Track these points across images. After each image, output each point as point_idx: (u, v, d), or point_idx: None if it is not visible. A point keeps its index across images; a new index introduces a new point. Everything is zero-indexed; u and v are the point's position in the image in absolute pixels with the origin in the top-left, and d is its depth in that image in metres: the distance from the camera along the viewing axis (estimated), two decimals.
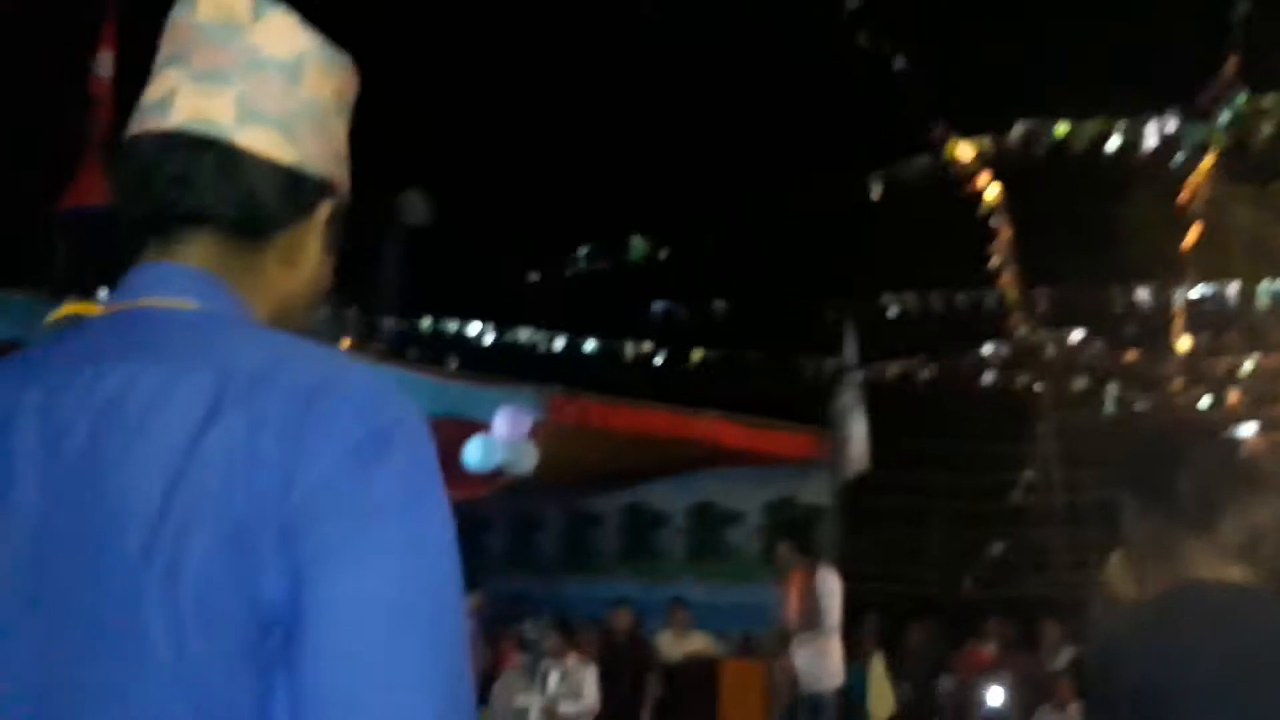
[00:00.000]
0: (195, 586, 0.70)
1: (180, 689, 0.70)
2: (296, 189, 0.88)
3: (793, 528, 6.86)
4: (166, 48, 0.90)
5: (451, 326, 10.46)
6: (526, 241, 11.94)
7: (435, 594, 0.74)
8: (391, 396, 0.79)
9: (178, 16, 0.90)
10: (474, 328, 10.47)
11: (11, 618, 0.73)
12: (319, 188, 0.91)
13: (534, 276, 10.93)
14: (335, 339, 9.12)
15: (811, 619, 6.03)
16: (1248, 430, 1.67)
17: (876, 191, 8.55)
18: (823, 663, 6.07)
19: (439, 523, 0.77)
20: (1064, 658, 7.75)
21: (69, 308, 0.86)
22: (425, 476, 0.77)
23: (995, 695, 7.57)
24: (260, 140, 0.86)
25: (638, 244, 10.07)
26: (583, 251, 10.49)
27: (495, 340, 10.39)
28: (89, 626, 0.71)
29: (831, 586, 6.14)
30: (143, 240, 0.88)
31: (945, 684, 8.15)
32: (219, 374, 0.76)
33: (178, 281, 0.85)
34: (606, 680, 7.36)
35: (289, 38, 0.90)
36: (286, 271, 0.91)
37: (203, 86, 0.86)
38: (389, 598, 0.72)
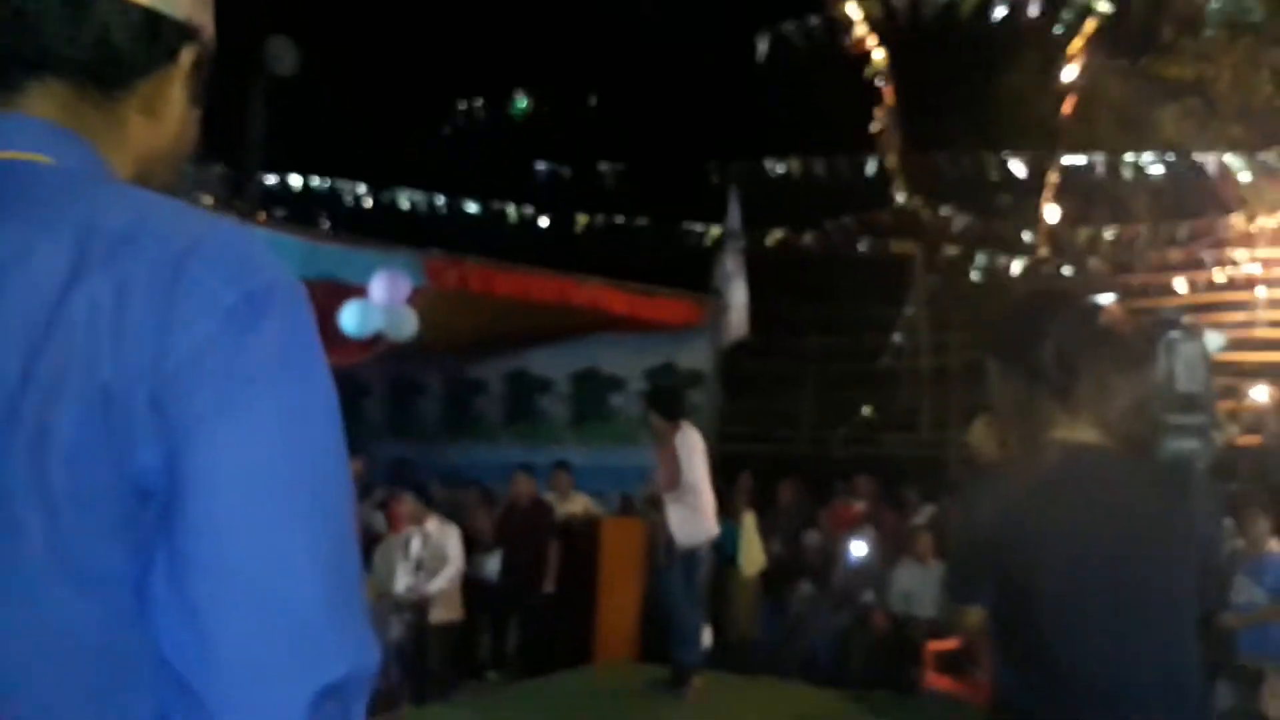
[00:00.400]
0: (64, 457, 0.67)
1: (55, 562, 0.67)
2: (155, 32, 0.81)
3: (667, 394, 6.91)
4: None
5: (323, 185, 9.99)
6: (403, 95, 11.37)
7: (315, 461, 0.72)
8: (264, 258, 0.75)
9: None
10: (347, 186, 10.03)
11: None
12: (180, 31, 0.84)
13: (411, 133, 10.48)
14: (198, 197, 8.64)
15: (675, 478, 6.15)
16: (1107, 299, 1.73)
17: (762, 51, 8.40)
18: (692, 518, 6.21)
19: (318, 388, 0.74)
20: (925, 514, 8.23)
21: None
22: (302, 341, 0.74)
23: (859, 548, 7.99)
24: None
25: (520, 101, 9.72)
26: (462, 107, 10.09)
27: (371, 200, 9.99)
28: None
29: (692, 444, 6.24)
30: None
31: (811, 539, 8.56)
32: (80, 233, 0.70)
33: (26, 134, 0.78)
34: (508, 545, 7.48)
35: None
36: (148, 124, 0.84)
37: None
38: (267, 466, 0.69)
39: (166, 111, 0.85)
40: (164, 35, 0.82)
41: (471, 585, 7.36)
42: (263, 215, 8.51)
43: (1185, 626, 1.68)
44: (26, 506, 0.67)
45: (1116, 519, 1.62)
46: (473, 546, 7.50)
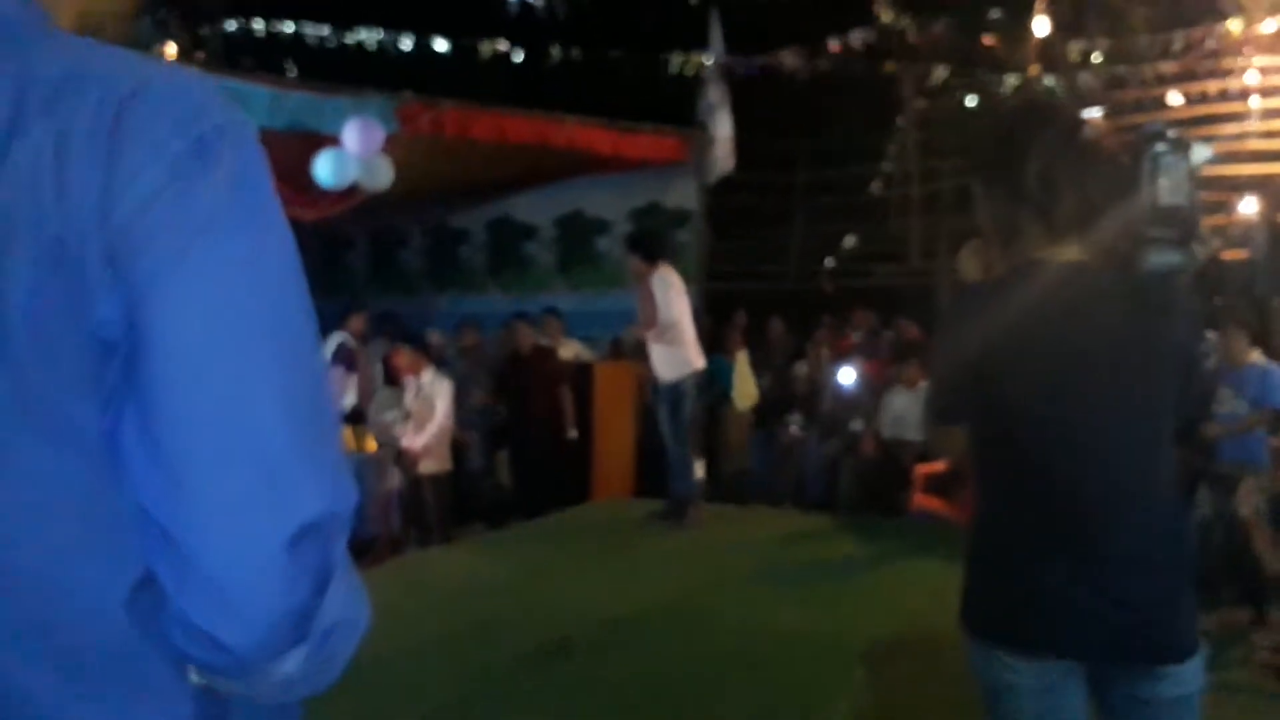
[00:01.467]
0: (22, 313, 0.66)
1: (25, 418, 0.68)
2: None
3: (645, 236, 6.80)
4: None
5: (287, 30, 9.55)
6: None
7: (275, 304, 0.71)
8: (213, 101, 0.72)
9: None
10: (311, 30, 9.59)
11: None
12: None
13: None
14: (157, 46, 8.27)
15: (653, 317, 6.14)
16: (1091, 114, 1.67)
17: None
18: (673, 354, 6.24)
19: (274, 232, 0.73)
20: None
21: None
22: (255, 185, 0.72)
23: (847, 376, 8.10)
24: None
25: None
26: None
27: (336, 43, 9.57)
28: None
29: (669, 282, 6.21)
30: None
31: (800, 371, 8.65)
32: (16, 79, 0.68)
33: None
34: (513, 394, 7.50)
35: None
36: None
37: None
38: (227, 312, 0.68)
39: None
40: None
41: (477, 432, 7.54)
42: (226, 64, 8.19)
43: (1162, 436, 1.69)
44: None
45: (1095, 332, 1.63)
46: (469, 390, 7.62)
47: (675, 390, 6.29)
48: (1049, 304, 1.63)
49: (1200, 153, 1.73)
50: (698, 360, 6.37)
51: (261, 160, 0.74)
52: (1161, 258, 1.59)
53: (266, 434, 0.69)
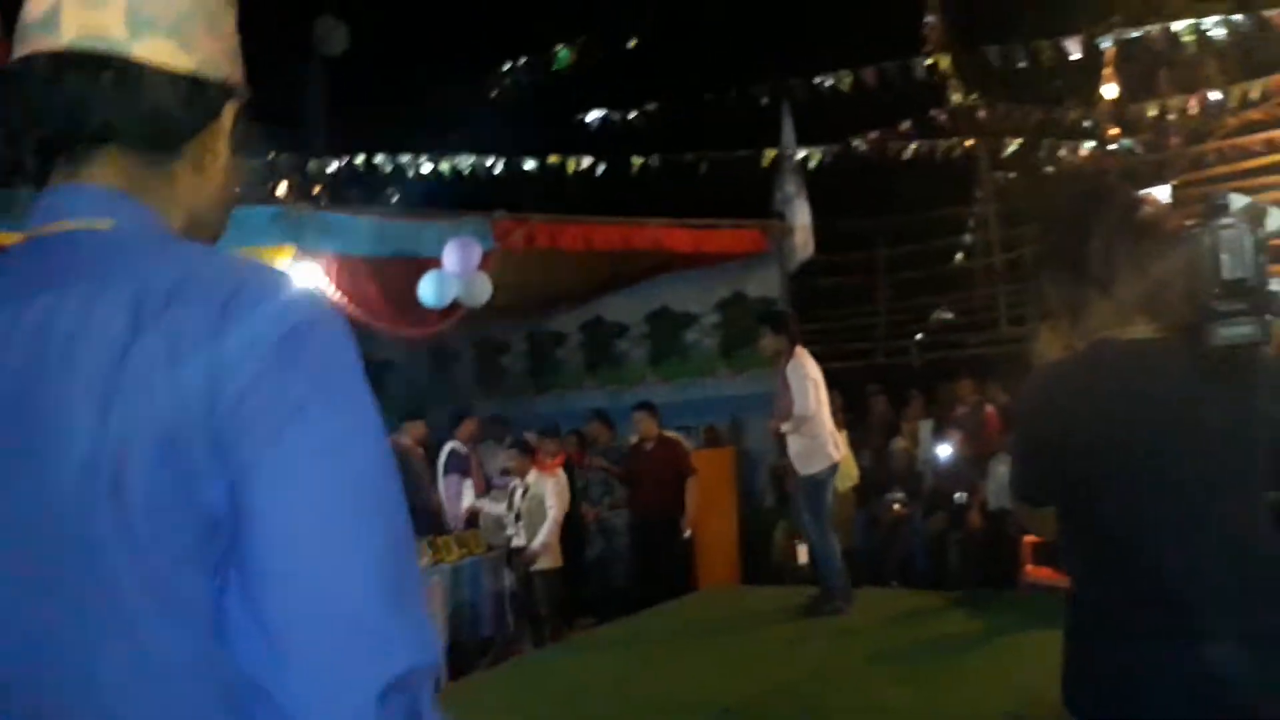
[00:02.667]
0: (140, 498, 0.73)
1: (146, 596, 0.74)
2: (200, 96, 0.88)
3: (776, 313, 6.91)
4: None
5: (386, 161, 10.26)
6: (448, 66, 11.53)
7: (363, 475, 0.77)
8: (302, 297, 0.81)
9: None
10: (409, 160, 10.28)
11: None
12: (221, 90, 0.90)
13: (462, 99, 10.64)
14: (270, 188, 8.98)
15: (787, 409, 6.14)
16: (1150, 191, 1.80)
17: None
18: (811, 446, 6.21)
19: (361, 409, 0.79)
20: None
21: None
22: (343, 366, 0.80)
23: (943, 450, 8.07)
24: (156, 50, 0.85)
25: (562, 53, 9.80)
26: (507, 67, 10.21)
27: (433, 170, 10.22)
28: (45, 554, 0.75)
29: (805, 371, 6.18)
30: (48, 163, 0.86)
31: (897, 445, 8.64)
32: (135, 292, 0.77)
33: (90, 202, 0.85)
34: (637, 485, 7.65)
35: None
36: (197, 178, 0.91)
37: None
38: (319, 486, 0.75)
39: (213, 165, 0.91)
40: (208, 97, 0.88)
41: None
42: (334, 199, 8.82)
43: (1256, 514, 1.66)
44: (115, 550, 0.74)
45: (1170, 408, 1.63)
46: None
47: (813, 482, 6.23)
48: (1122, 381, 1.65)
49: (1276, 219, 1.68)
50: (836, 452, 6.34)
51: (350, 347, 0.81)
52: (1233, 330, 1.58)
53: (357, 596, 0.74)
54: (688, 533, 7.54)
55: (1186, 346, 1.62)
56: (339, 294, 7.01)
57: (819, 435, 6.23)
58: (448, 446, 7.42)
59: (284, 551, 0.74)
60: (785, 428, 6.24)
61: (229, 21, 0.92)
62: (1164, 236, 1.65)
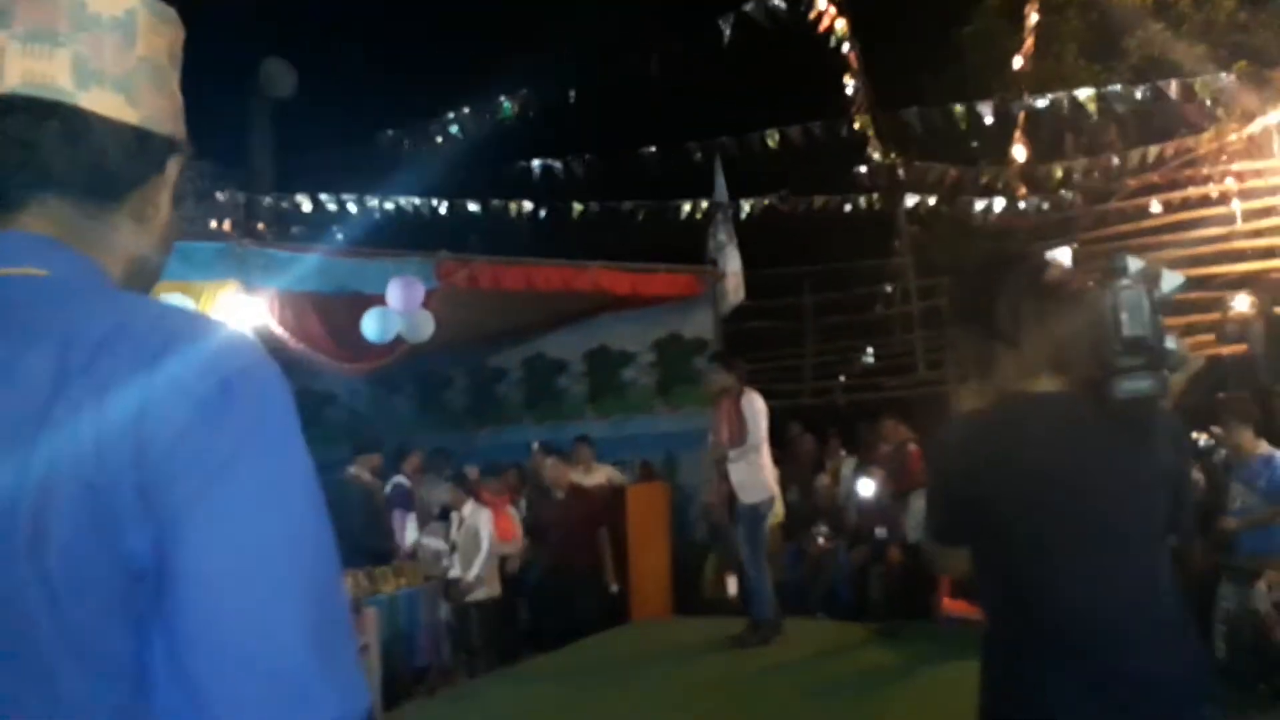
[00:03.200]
0: (60, 551, 0.71)
1: (64, 647, 0.72)
2: (144, 149, 0.88)
3: (728, 354, 7.28)
4: None
5: (331, 200, 10.42)
6: (394, 110, 11.80)
7: (294, 531, 0.76)
8: (238, 346, 0.79)
9: None
10: (354, 199, 10.45)
11: None
12: (166, 145, 0.90)
13: (407, 142, 10.89)
14: (215, 225, 9.06)
15: (742, 434, 6.44)
16: (1054, 255, 1.86)
17: (727, 34, 8.75)
18: (755, 476, 6.51)
19: (293, 463, 0.78)
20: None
21: None
22: (274, 422, 0.78)
23: (865, 486, 8.43)
24: (103, 103, 0.84)
25: (505, 105, 10.14)
26: (451, 116, 10.50)
27: (378, 210, 10.41)
28: None
29: (757, 406, 6.55)
30: None
31: (821, 481, 8.99)
32: (62, 344, 0.75)
33: (26, 249, 0.83)
34: (544, 536, 7.74)
35: None
36: (138, 228, 0.90)
37: (33, 47, 0.83)
38: (248, 542, 0.73)
39: (155, 217, 0.91)
40: (152, 150, 0.89)
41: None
42: (278, 236, 8.92)
43: (1158, 558, 1.74)
44: (34, 600, 0.72)
45: (1077, 458, 1.71)
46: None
47: (754, 512, 6.48)
48: (1032, 433, 1.73)
49: (1171, 280, 1.77)
50: (774, 485, 6.67)
51: (282, 397, 0.79)
52: (1133, 384, 1.65)
53: (282, 653, 0.73)
54: (614, 587, 7.67)
55: (1091, 400, 1.70)
56: (282, 328, 7.14)
57: (764, 467, 6.53)
58: (393, 480, 7.56)
59: (209, 607, 0.72)
60: (733, 454, 6.47)
61: (174, 80, 0.92)
62: (1067, 296, 1.74)
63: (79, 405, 0.73)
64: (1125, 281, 1.68)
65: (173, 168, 0.92)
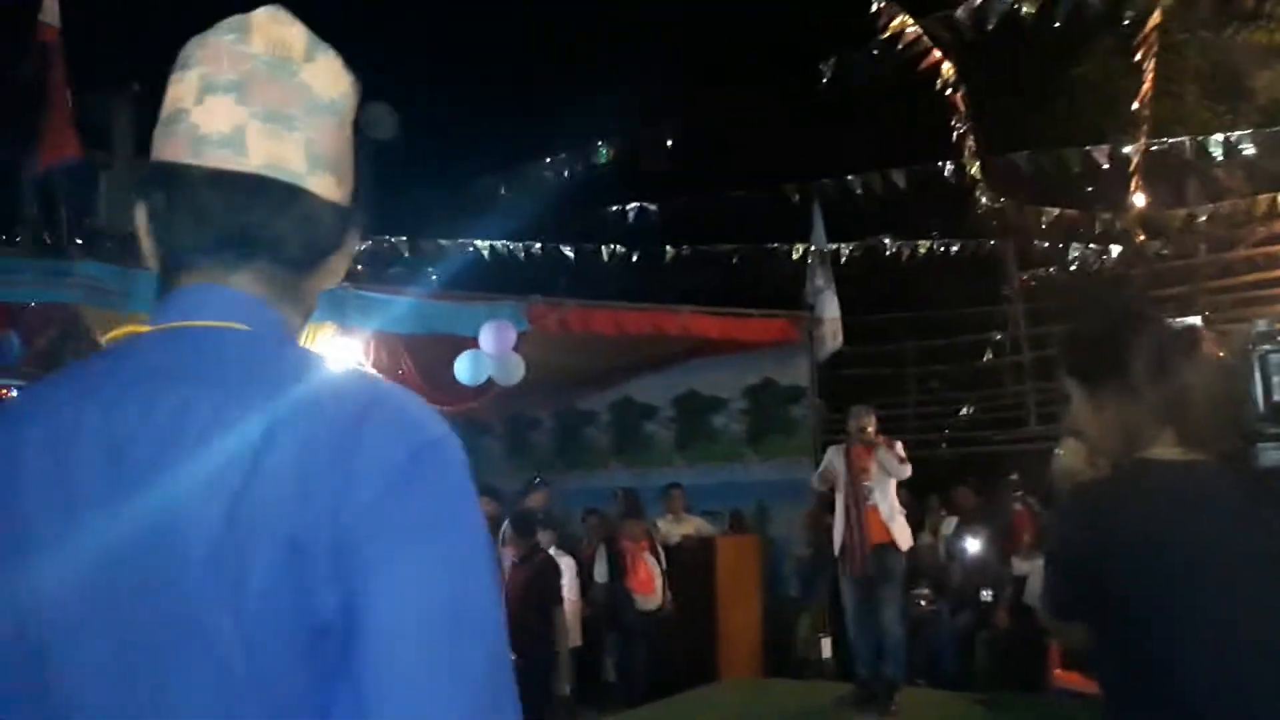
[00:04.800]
0: (259, 597, 0.76)
1: (254, 690, 0.77)
2: (345, 225, 0.95)
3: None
4: (211, 68, 0.90)
5: (430, 243, 10.56)
6: (493, 154, 11.97)
7: (474, 605, 0.80)
8: (426, 417, 0.85)
9: (225, 39, 0.91)
10: (450, 243, 10.57)
11: (86, 633, 0.79)
12: (354, 214, 0.97)
13: (504, 189, 11.00)
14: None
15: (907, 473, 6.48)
16: (1187, 319, 1.73)
17: (826, 77, 8.59)
18: (904, 520, 6.56)
19: (473, 536, 0.82)
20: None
21: (125, 328, 0.91)
22: (459, 494, 0.83)
23: (972, 545, 8.05)
24: (324, 185, 0.91)
25: (602, 151, 10.16)
26: (548, 160, 10.56)
27: (472, 253, 10.51)
28: (164, 639, 0.78)
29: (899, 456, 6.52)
30: (189, 259, 0.91)
31: (924, 540, 8.59)
32: (269, 399, 0.81)
33: (231, 305, 0.89)
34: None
35: (335, 79, 0.94)
36: (318, 284, 0.98)
37: (272, 129, 0.89)
38: (432, 606, 0.78)
39: (330, 279, 0.99)
40: (348, 226, 0.96)
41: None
42: (378, 278, 9.05)
43: None
44: (230, 641, 0.76)
45: (1212, 533, 1.60)
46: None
47: (885, 561, 6.40)
48: (1163, 504, 1.62)
49: None
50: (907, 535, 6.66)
51: (465, 469, 0.84)
52: (1276, 453, 1.61)
53: (450, 712, 0.76)
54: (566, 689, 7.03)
55: (1229, 470, 1.62)
56: (375, 369, 7.17)
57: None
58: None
59: (388, 670, 0.76)
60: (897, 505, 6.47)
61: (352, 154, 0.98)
62: (1204, 361, 1.65)
63: (284, 464, 0.78)
64: (1268, 346, 1.64)
65: (353, 236, 0.98)
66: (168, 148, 0.90)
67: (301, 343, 0.97)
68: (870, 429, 6.55)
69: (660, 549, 7.66)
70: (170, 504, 0.79)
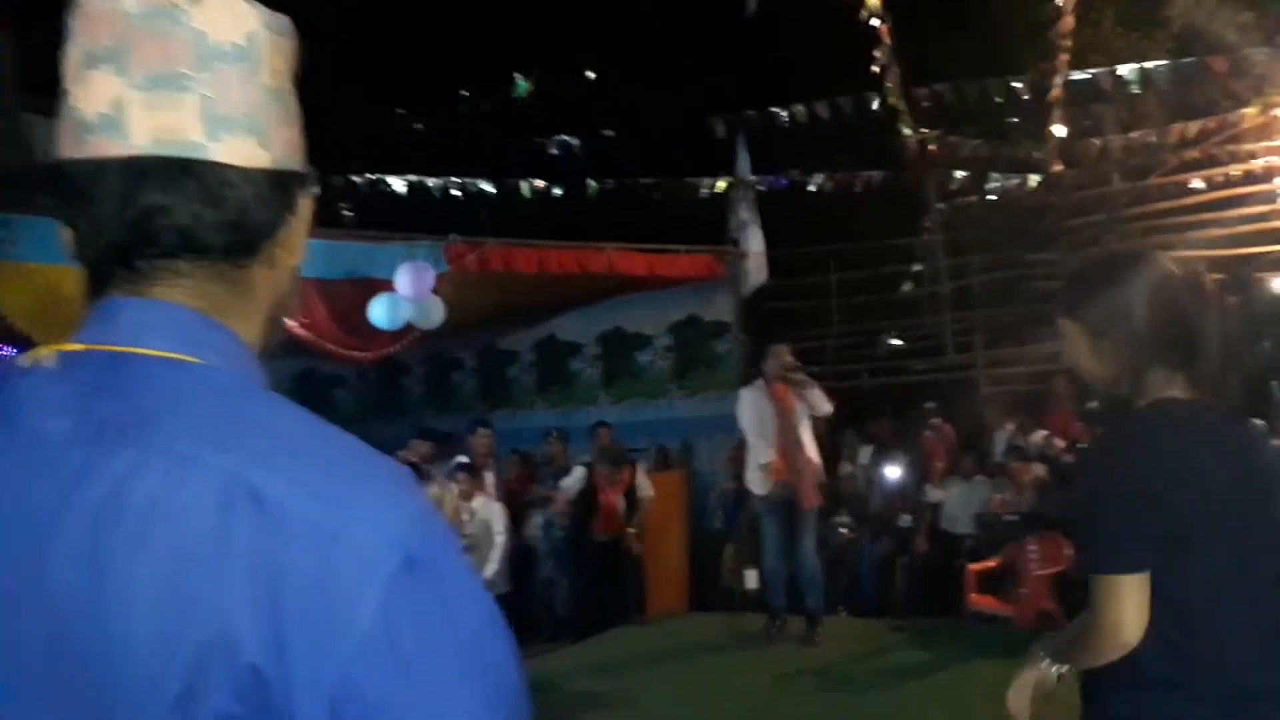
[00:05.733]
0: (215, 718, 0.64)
1: None
2: (281, 193, 0.78)
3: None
4: (85, 40, 0.74)
5: (340, 180, 10.14)
6: (407, 86, 11.45)
7: (499, 701, 0.71)
8: (412, 507, 0.71)
9: (96, 1, 0.74)
10: (363, 180, 10.17)
11: None
12: (299, 180, 0.80)
13: (420, 122, 10.58)
14: None
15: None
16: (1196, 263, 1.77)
17: (751, 6, 8.38)
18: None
19: (482, 631, 0.71)
20: (1001, 442, 8.17)
21: (48, 348, 0.75)
22: (457, 591, 0.70)
23: (892, 472, 8.25)
24: (237, 150, 0.75)
25: (520, 83, 9.82)
26: (465, 94, 10.17)
27: (388, 190, 10.14)
28: None
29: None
30: (102, 269, 0.76)
31: (844, 469, 8.75)
32: (230, 475, 0.67)
33: (169, 327, 0.75)
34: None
35: (237, 18, 0.76)
36: (270, 274, 0.81)
37: (156, 96, 0.73)
38: (444, 706, 0.68)
39: (286, 260, 0.82)
40: (287, 194, 0.79)
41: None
42: None
43: None
44: None
45: (1238, 470, 1.65)
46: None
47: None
48: (1197, 439, 1.66)
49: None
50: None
51: (460, 560, 0.72)
52: None
53: None
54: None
55: (1224, 410, 1.71)
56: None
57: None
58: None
59: None
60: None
61: (295, 103, 0.81)
62: (1211, 307, 1.71)
63: (243, 557, 0.64)
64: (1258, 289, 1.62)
65: (305, 205, 0.82)
66: (60, 142, 0.76)
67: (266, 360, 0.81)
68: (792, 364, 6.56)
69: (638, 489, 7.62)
70: (105, 586, 0.66)
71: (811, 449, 6.55)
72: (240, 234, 0.76)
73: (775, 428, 6.48)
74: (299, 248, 0.83)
